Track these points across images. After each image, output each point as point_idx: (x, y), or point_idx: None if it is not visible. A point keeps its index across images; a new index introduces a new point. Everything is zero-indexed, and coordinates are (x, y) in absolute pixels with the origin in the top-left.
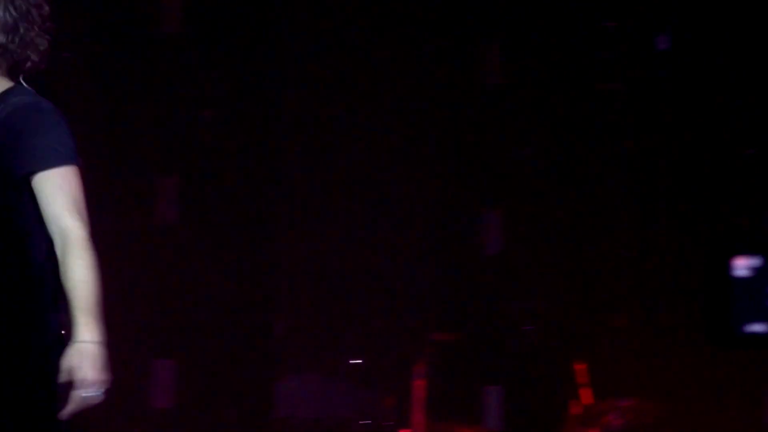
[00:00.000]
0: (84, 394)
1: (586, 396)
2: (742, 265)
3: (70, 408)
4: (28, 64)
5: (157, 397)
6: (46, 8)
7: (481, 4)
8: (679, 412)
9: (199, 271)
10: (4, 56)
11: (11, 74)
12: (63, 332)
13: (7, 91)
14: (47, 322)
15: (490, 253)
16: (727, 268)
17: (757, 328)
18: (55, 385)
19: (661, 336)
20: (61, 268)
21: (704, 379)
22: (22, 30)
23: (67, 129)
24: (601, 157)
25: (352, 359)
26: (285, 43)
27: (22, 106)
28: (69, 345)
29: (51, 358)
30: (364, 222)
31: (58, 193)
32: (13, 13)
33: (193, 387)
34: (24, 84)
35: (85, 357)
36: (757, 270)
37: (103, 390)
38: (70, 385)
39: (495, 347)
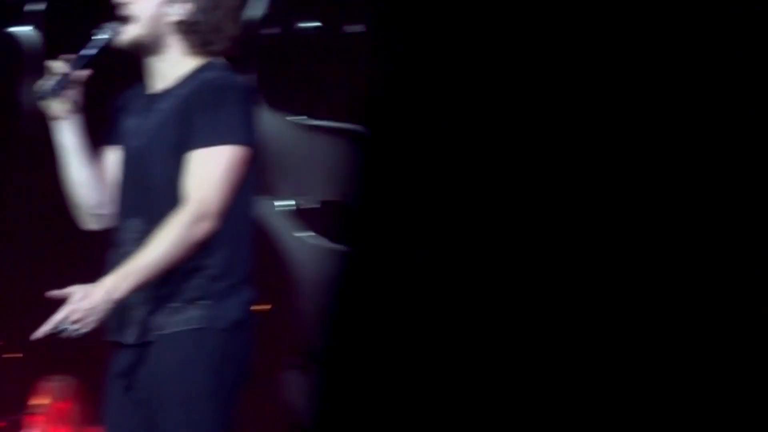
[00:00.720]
0: (61, 326)
1: None
2: None
3: (43, 329)
4: (215, 47)
5: None
6: None
7: None
8: None
9: None
10: (195, 35)
11: (207, 53)
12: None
13: (200, 68)
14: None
15: None
16: None
17: None
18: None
19: None
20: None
21: None
22: (216, 15)
23: (242, 107)
24: None
25: None
26: None
27: (202, 83)
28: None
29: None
30: None
31: (197, 171)
32: None
33: None
34: (218, 61)
35: (89, 297)
36: None
37: (79, 333)
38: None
39: None
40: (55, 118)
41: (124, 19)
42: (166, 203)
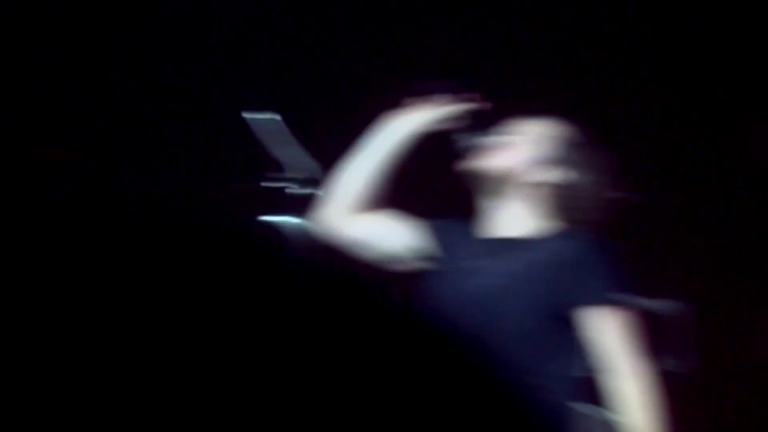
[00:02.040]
0: None
1: None
2: None
3: None
4: (576, 218)
5: None
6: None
7: None
8: None
9: None
10: (560, 203)
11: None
12: None
13: (562, 230)
14: None
15: None
16: None
17: None
18: None
19: None
20: (615, 402)
21: None
22: (587, 192)
23: (619, 268)
24: None
25: None
26: None
27: (576, 244)
28: None
29: None
30: None
31: (612, 331)
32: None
33: None
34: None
35: None
36: None
37: None
38: None
39: None
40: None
41: (492, 146)
42: (515, 349)
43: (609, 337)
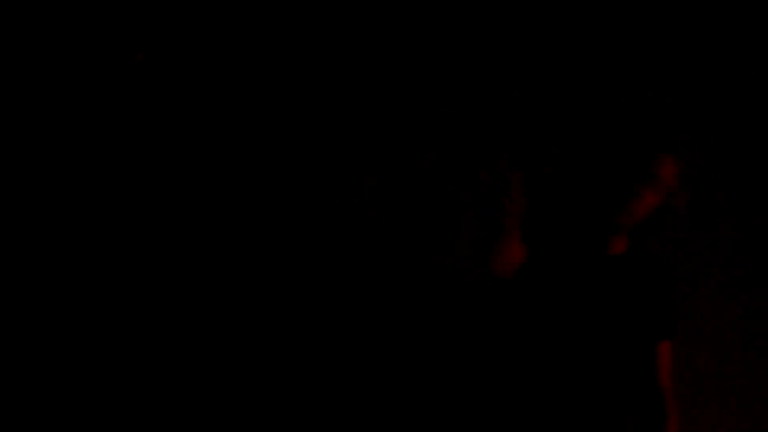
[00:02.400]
0: None
1: None
2: None
3: None
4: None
5: None
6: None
7: None
8: None
9: None
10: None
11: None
12: None
13: (635, 246)
14: None
15: None
16: None
17: None
18: None
19: None
20: (649, 425)
21: None
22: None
23: (679, 295)
24: None
25: None
26: None
27: (657, 266)
28: None
29: None
30: None
31: (666, 363)
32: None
33: None
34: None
35: None
36: None
37: None
38: None
39: None
40: None
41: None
42: (604, 372)
43: (663, 369)
